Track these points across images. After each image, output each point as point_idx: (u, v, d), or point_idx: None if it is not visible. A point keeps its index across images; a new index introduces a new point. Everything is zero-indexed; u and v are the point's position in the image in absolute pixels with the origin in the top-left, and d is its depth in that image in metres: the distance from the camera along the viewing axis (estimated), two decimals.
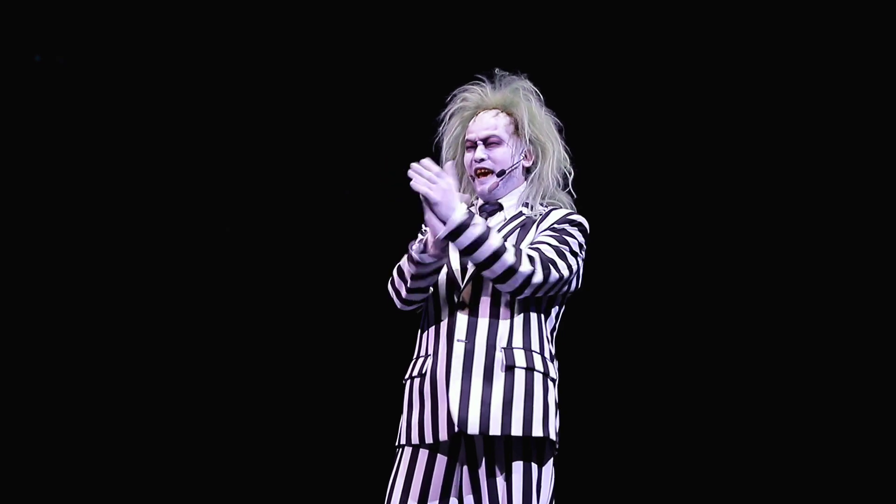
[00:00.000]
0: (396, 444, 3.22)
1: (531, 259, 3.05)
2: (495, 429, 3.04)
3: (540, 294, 3.10)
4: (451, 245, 3.08)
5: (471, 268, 3.13)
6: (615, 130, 5.23)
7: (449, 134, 3.35)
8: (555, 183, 3.31)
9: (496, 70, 3.34)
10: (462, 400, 3.05)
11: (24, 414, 5.28)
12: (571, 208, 3.33)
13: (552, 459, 3.17)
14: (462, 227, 2.99)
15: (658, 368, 5.23)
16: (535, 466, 3.10)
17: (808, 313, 5.14)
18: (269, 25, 5.35)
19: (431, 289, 3.21)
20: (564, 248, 3.15)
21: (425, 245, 3.10)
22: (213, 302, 5.35)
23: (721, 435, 5.17)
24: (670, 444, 5.19)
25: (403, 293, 3.20)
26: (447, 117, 3.37)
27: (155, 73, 5.33)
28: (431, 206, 2.99)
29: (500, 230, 3.21)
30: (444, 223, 2.99)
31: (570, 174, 3.33)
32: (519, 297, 3.12)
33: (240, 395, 5.34)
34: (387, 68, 5.24)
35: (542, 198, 3.30)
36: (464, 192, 3.32)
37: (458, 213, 2.98)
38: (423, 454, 3.14)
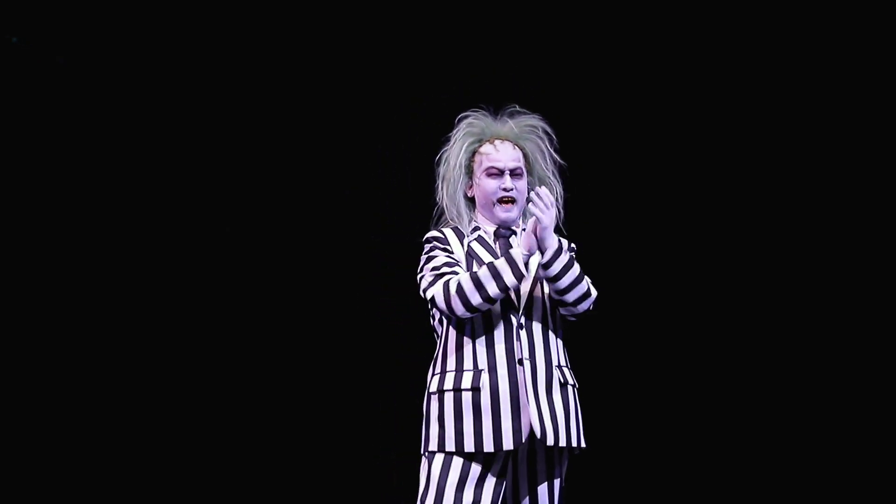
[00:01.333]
0: (432, 449, 3.41)
1: (591, 284, 3.45)
2: (563, 440, 3.38)
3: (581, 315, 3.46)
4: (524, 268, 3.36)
5: (525, 294, 3.40)
6: (614, 134, 5.23)
7: (455, 156, 3.54)
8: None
9: (509, 106, 3.54)
10: (540, 416, 3.34)
11: (23, 414, 5.27)
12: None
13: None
14: (559, 252, 3.34)
15: (657, 370, 5.24)
16: (563, 473, 3.47)
17: (807, 313, 5.15)
18: (268, 25, 5.34)
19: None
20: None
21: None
22: (212, 302, 5.34)
23: (719, 435, 5.18)
24: (670, 444, 5.19)
25: (477, 302, 3.34)
26: (454, 139, 3.56)
27: (155, 74, 5.32)
28: (541, 229, 3.31)
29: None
30: (541, 247, 3.33)
31: (561, 214, 3.51)
32: (568, 317, 3.44)
33: (239, 394, 5.34)
34: (385, 69, 5.23)
35: None
36: (459, 211, 3.54)
37: (555, 240, 3.34)
38: (476, 463, 3.38)
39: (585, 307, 3.40)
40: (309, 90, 5.34)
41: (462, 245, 3.51)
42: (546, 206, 3.31)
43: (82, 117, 5.29)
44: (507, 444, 3.32)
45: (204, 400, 5.34)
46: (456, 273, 3.41)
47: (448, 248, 3.50)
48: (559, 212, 3.48)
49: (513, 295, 3.38)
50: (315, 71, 5.34)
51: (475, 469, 3.36)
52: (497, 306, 3.38)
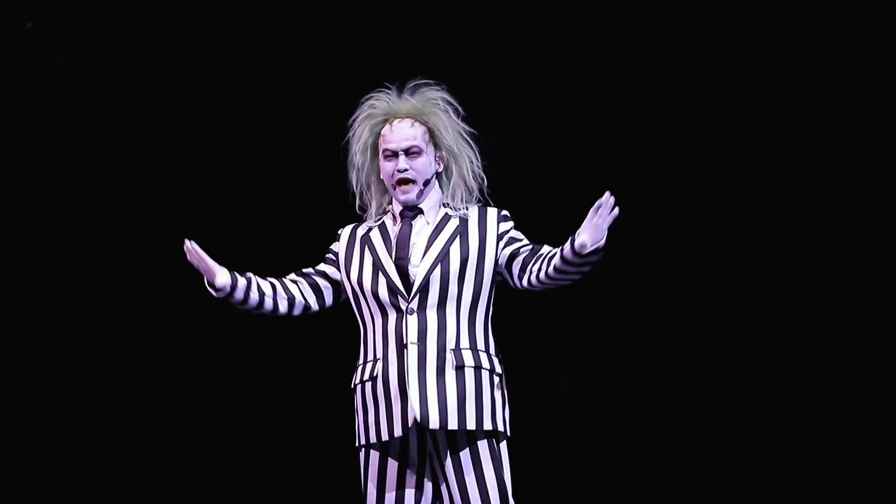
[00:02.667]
0: (356, 444, 3.49)
1: None
2: (452, 423, 3.33)
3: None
4: (386, 258, 3.43)
5: (418, 278, 3.39)
6: (613, 134, 5.23)
7: (357, 140, 3.54)
8: (469, 188, 3.54)
9: (412, 80, 3.52)
10: (421, 398, 3.33)
11: (23, 414, 5.28)
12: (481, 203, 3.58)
13: (504, 444, 3.44)
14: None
15: (654, 366, 5.23)
16: (492, 453, 3.38)
17: (801, 311, 5.12)
18: (267, 26, 5.34)
19: (370, 300, 3.45)
20: None
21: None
22: (212, 301, 5.34)
23: (716, 434, 5.17)
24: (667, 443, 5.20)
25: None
26: (356, 123, 3.56)
27: (154, 74, 5.33)
28: (602, 233, 3.20)
29: (431, 235, 3.46)
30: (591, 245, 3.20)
31: (483, 181, 3.54)
32: (467, 302, 3.41)
33: (237, 393, 5.34)
34: (383, 68, 5.20)
35: (457, 201, 3.54)
36: (373, 195, 3.56)
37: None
38: (384, 451, 3.40)
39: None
40: (307, 90, 5.34)
41: (355, 240, 3.52)
42: (601, 224, 3.18)
43: (80, 117, 5.29)
44: (397, 430, 3.33)
45: (201, 399, 5.35)
46: (297, 280, 3.54)
47: (328, 257, 3.57)
48: (482, 180, 3.50)
49: (398, 284, 3.39)
50: (314, 71, 5.34)
51: (390, 461, 3.39)
52: (385, 294, 3.40)
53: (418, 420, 3.30)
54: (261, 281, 3.53)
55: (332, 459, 5.24)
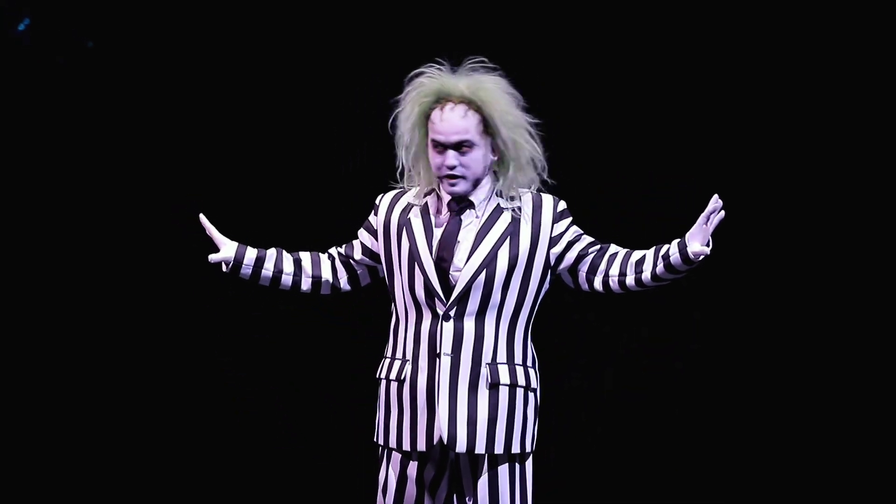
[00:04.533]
0: (374, 439, 3.30)
1: None
2: (480, 447, 3.14)
3: None
4: (426, 254, 3.16)
5: (460, 283, 3.14)
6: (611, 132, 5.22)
7: (406, 119, 3.22)
8: (529, 179, 3.25)
9: (468, 59, 3.20)
10: (451, 418, 3.13)
11: (23, 414, 5.28)
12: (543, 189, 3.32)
13: (530, 463, 3.25)
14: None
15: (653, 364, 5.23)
16: (516, 475, 3.21)
17: (797, 310, 5.13)
18: (267, 26, 5.33)
19: (406, 294, 3.24)
20: None
21: None
22: (210, 301, 5.35)
23: (715, 434, 5.17)
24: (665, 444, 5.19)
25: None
26: (405, 100, 3.23)
27: (152, 74, 5.32)
28: (708, 238, 3.09)
29: (479, 233, 3.19)
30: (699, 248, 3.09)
31: (545, 170, 3.25)
32: (509, 311, 3.19)
33: (237, 393, 5.34)
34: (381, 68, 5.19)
35: (514, 192, 3.25)
36: (421, 175, 3.26)
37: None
38: (406, 458, 3.22)
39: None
40: (305, 90, 5.32)
41: (394, 213, 3.26)
42: (708, 233, 3.08)
43: (79, 117, 5.29)
44: (421, 445, 3.15)
45: (204, 399, 5.35)
46: (332, 257, 3.36)
47: (369, 226, 3.32)
48: (544, 169, 3.23)
49: (437, 287, 3.14)
50: (314, 71, 5.33)
51: (410, 471, 3.22)
52: (421, 293, 3.15)
53: (445, 442, 3.11)
54: (283, 257, 3.35)
55: (331, 460, 5.27)
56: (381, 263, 3.31)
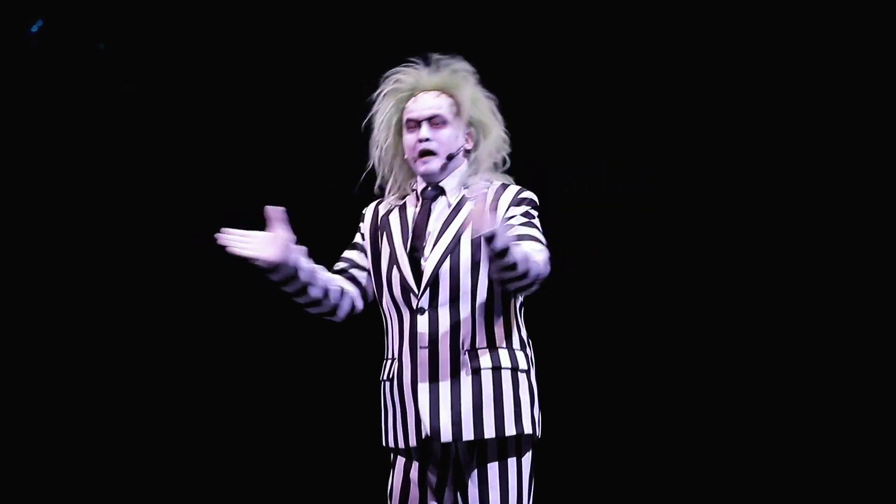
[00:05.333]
0: (384, 443, 3.26)
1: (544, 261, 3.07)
2: (468, 434, 3.07)
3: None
4: (401, 250, 3.15)
5: (426, 274, 3.11)
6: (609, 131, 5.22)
7: (381, 115, 3.27)
8: (493, 164, 3.26)
9: (432, 54, 3.28)
10: (432, 408, 3.08)
11: (23, 415, 5.32)
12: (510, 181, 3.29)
13: (530, 451, 3.18)
14: (499, 237, 2.93)
15: (651, 361, 5.24)
16: (511, 464, 3.13)
17: (796, 309, 5.12)
18: (266, 26, 5.36)
19: (385, 294, 3.19)
20: (540, 235, 3.16)
21: None
22: (210, 299, 5.38)
23: (712, 433, 5.17)
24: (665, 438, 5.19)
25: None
26: (380, 97, 3.29)
27: (151, 75, 5.34)
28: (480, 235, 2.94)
29: (445, 222, 3.17)
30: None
31: (507, 161, 3.28)
32: (483, 295, 3.11)
33: (235, 392, 5.37)
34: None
35: (480, 176, 3.24)
36: (395, 177, 3.28)
37: (499, 234, 2.91)
38: (407, 457, 3.18)
39: (533, 289, 3.06)
40: (302, 90, 5.36)
41: (376, 223, 3.25)
42: (480, 219, 2.88)
43: (79, 117, 5.33)
44: (412, 440, 3.11)
45: (204, 399, 5.39)
46: (337, 272, 3.22)
47: (356, 241, 3.28)
48: (507, 159, 3.23)
49: (411, 281, 3.11)
50: (312, 71, 5.36)
51: (411, 469, 3.17)
52: (398, 290, 3.12)
53: (428, 433, 3.06)
54: (325, 276, 3.17)
55: (330, 460, 5.29)
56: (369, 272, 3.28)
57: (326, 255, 4.95)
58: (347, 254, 3.30)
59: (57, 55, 5.25)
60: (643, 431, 5.21)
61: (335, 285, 3.17)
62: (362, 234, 3.30)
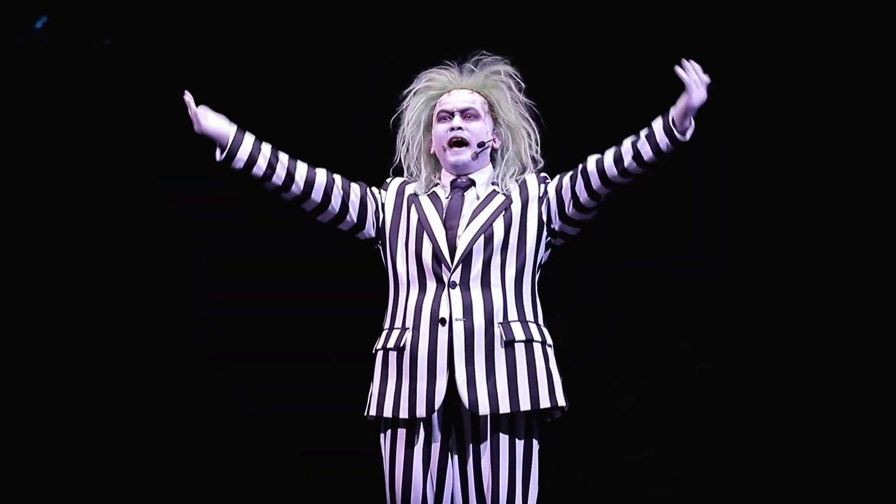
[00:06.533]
0: (366, 413, 3.28)
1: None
2: (504, 407, 3.13)
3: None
4: (436, 222, 3.21)
5: (461, 248, 3.18)
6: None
7: (411, 111, 3.35)
8: (523, 167, 3.35)
9: (474, 53, 3.35)
10: (469, 382, 3.12)
11: (23, 415, 5.28)
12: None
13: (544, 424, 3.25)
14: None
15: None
16: (524, 437, 3.19)
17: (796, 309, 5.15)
18: (264, 27, 5.34)
19: (411, 263, 3.25)
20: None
21: None
22: (208, 298, 5.36)
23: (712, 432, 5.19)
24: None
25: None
26: (411, 94, 3.37)
27: (149, 75, 5.32)
28: (690, 109, 3.12)
29: (476, 209, 3.26)
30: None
31: (540, 163, 3.36)
32: (513, 272, 3.21)
33: (243, 390, 5.35)
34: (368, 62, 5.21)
35: (507, 181, 3.33)
36: (422, 172, 3.35)
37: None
38: (405, 428, 3.20)
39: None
40: (299, 90, 5.34)
41: (403, 195, 3.31)
42: (698, 81, 3.08)
43: (77, 117, 5.29)
44: (420, 410, 3.13)
45: (203, 399, 5.36)
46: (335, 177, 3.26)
47: (372, 193, 3.32)
48: (539, 162, 3.33)
49: (445, 252, 3.17)
50: (311, 71, 5.34)
51: (408, 435, 3.19)
52: (428, 258, 3.18)
53: (467, 406, 3.10)
54: (281, 153, 3.25)
55: (328, 461, 5.27)
56: (372, 229, 3.31)
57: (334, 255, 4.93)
58: (354, 184, 3.31)
59: (62, 51, 5.22)
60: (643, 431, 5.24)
61: (312, 170, 3.24)
62: (378, 199, 3.33)
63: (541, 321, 3.26)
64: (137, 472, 5.30)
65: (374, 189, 3.37)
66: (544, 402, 3.17)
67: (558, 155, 3.44)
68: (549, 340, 3.26)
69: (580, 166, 3.25)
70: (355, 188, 3.31)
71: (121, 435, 5.30)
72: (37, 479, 5.26)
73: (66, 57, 5.23)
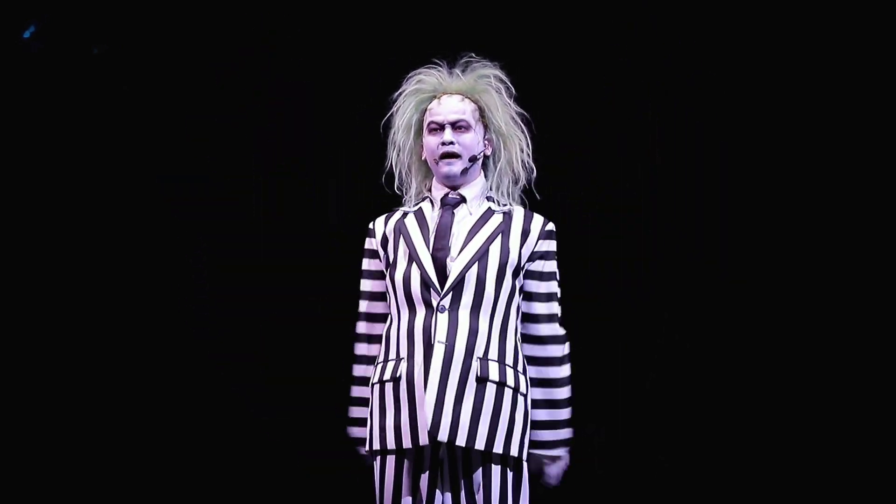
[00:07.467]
0: (368, 448, 3.28)
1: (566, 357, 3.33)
2: (461, 440, 3.11)
3: None
4: (422, 248, 3.20)
5: (453, 274, 3.15)
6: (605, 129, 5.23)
7: (402, 115, 3.31)
8: (516, 178, 3.32)
9: (464, 55, 3.32)
10: (437, 406, 3.10)
11: (22, 415, 5.27)
12: (525, 205, 3.37)
13: (524, 469, 3.23)
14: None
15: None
16: (499, 480, 3.17)
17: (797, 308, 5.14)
18: (264, 27, 5.33)
19: (399, 292, 3.24)
20: (559, 310, 3.34)
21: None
22: (210, 298, 5.35)
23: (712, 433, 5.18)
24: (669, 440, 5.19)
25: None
26: (401, 97, 3.32)
27: (149, 76, 5.31)
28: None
29: (471, 230, 3.22)
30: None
31: (532, 171, 3.34)
32: (502, 308, 3.23)
33: (245, 389, 5.34)
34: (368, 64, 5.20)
35: (502, 191, 3.31)
36: (413, 177, 3.34)
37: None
38: (402, 458, 3.18)
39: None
40: (299, 90, 5.33)
41: (388, 226, 3.29)
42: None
43: (77, 117, 5.28)
44: (422, 438, 3.11)
45: (202, 399, 5.34)
46: (365, 316, 3.32)
47: (372, 260, 3.33)
48: (531, 170, 3.32)
49: (435, 281, 3.15)
50: (309, 72, 5.34)
51: (407, 470, 3.17)
52: (417, 287, 3.16)
53: (427, 427, 3.08)
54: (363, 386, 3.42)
55: (328, 466, 5.26)
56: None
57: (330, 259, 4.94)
58: (365, 286, 3.38)
59: (61, 51, 5.21)
60: (642, 432, 5.22)
61: (372, 352, 3.35)
62: (374, 246, 3.36)
63: (520, 366, 3.23)
64: (137, 472, 5.28)
65: (370, 257, 3.40)
66: (498, 448, 3.14)
67: (547, 161, 3.43)
68: (524, 390, 3.22)
69: (523, 311, 3.29)
70: (378, 284, 3.37)
71: (121, 435, 5.28)
72: (37, 479, 5.25)
73: (66, 57, 5.23)
